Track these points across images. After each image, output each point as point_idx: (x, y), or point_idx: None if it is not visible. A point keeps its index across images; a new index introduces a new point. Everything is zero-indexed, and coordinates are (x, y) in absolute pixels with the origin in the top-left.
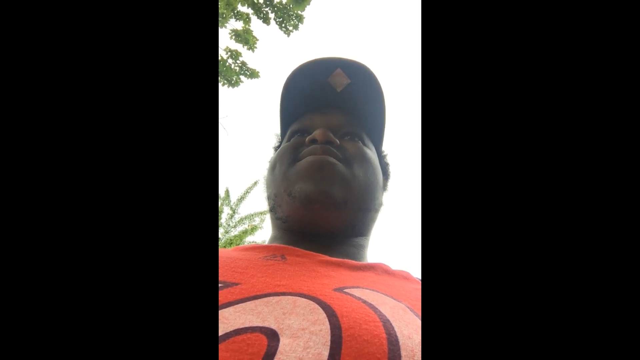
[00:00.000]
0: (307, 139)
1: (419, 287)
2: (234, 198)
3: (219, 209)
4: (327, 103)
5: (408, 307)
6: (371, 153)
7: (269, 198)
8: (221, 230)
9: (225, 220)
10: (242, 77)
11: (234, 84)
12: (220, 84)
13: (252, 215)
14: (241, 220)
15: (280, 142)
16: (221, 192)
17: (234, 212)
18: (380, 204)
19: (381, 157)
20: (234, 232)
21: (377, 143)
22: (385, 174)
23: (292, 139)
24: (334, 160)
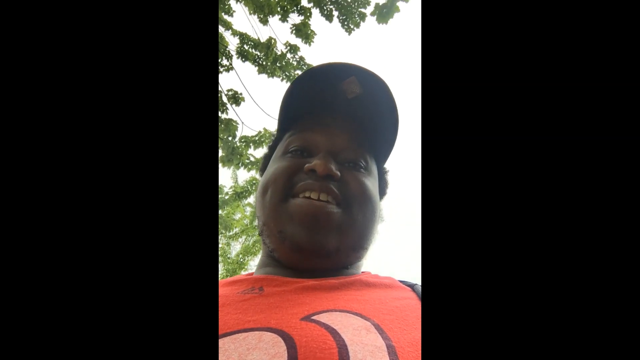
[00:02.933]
0: (306, 167)
1: (403, 293)
2: None
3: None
4: (333, 107)
5: (375, 325)
6: (372, 184)
7: (258, 220)
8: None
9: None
10: (299, 72)
11: (292, 78)
12: (279, 79)
13: None
14: None
15: (275, 140)
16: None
17: None
18: (374, 237)
19: (382, 174)
20: None
21: (381, 159)
22: (382, 193)
23: (288, 154)
24: (331, 209)
